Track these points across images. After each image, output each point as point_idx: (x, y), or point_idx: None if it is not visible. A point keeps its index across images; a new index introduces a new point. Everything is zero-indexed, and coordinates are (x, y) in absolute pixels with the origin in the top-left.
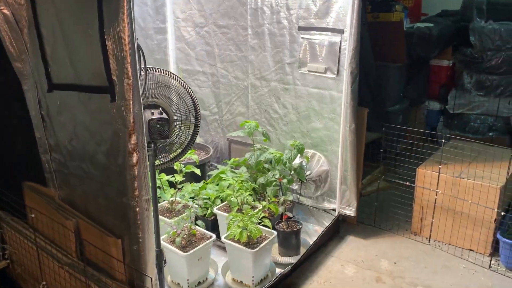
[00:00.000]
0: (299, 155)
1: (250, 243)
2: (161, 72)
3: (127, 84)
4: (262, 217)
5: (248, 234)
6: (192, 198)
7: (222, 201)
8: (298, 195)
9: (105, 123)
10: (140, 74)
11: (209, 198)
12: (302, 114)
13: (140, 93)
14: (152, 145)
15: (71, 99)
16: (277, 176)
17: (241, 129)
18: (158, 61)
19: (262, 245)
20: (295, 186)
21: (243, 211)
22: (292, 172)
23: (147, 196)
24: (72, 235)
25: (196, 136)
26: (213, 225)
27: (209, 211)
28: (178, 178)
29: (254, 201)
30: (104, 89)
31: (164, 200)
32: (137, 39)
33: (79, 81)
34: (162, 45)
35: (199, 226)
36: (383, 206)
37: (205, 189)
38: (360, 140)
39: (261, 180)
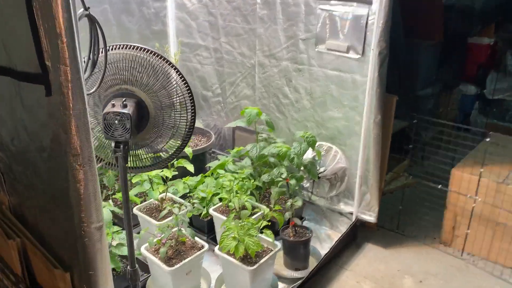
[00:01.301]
0: (310, 149)
1: (248, 257)
2: (140, 51)
3: (63, 73)
4: (264, 227)
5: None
6: (188, 193)
7: (221, 200)
8: (310, 194)
9: (43, 125)
10: (93, 58)
11: (204, 197)
12: (317, 100)
13: (84, 83)
14: (121, 146)
15: (6, 87)
16: (283, 176)
17: (242, 118)
18: (156, 33)
19: (262, 261)
20: (306, 184)
21: (241, 219)
22: (302, 168)
23: (98, 223)
24: (17, 255)
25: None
26: (209, 226)
27: (205, 211)
28: (168, 174)
29: (257, 200)
30: (37, 78)
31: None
32: (87, 8)
33: (12, 64)
34: (161, 14)
35: (191, 229)
36: (408, 208)
37: (203, 183)
38: (386, 135)
39: (264, 178)
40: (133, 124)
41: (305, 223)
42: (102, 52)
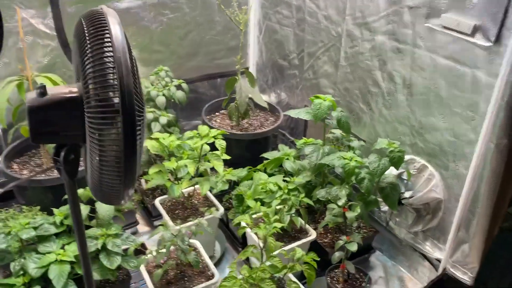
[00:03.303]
0: (391, 168)
1: None
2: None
3: None
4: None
5: None
6: (228, 190)
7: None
8: (387, 219)
9: None
10: None
11: (241, 199)
12: (417, 97)
13: None
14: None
15: None
16: (340, 202)
17: (306, 107)
18: None
19: None
20: (384, 206)
21: (266, 250)
22: (377, 193)
23: None
24: None
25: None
26: (245, 236)
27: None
28: (216, 164)
29: (304, 223)
30: None
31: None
32: None
33: None
34: None
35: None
36: None
37: (251, 178)
38: (510, 169)
39: (320, 194)
40: None
41: (375, 256)
42: None
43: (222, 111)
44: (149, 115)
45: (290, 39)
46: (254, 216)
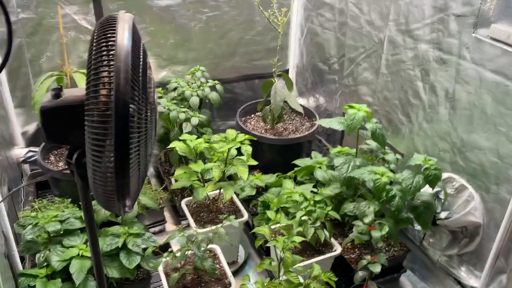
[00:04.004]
0: (427, 186)
1: None
2: None
3: None
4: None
5: None
6: (255, 195)
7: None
8: (421, 238)
9: None
10: None
11: (267, 206)
12: (460, 112)
13: None
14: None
15: None
16: (367, 220)
17: (340, 117)
18: None
19: None
20: (417, 224)
21: (283, 264)
22: (409, 211)
23: None
24: None
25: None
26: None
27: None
28: (241, 169)
29: (329, 237)
30: None
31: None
32: None
33: None
34: None
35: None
36: None
37: (280, 185)
38: None
39: (348, 208)
40: None
41: (405, 276)
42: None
43: (258, 113)
44: (181, 115)
45: (331, 43)
46: (276, 225)
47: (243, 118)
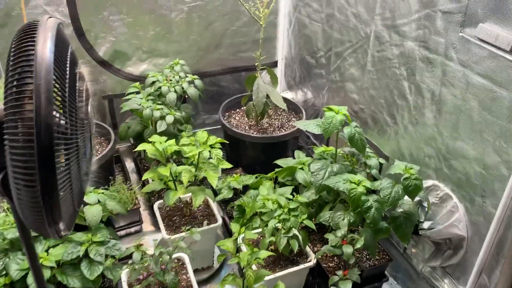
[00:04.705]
0: (406, 197)
1: None
2: None
3: None
4: None
5: None
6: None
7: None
8: (405, 246)
9: None
10: None
11: (243, 210)
12: (445, 116)
13: None
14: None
15: None
16: (339, 233)
17: (317, 119)
18: None
19: None
20: None
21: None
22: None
23: None
24: None
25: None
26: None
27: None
28: (210, 174)
29: (303, 245)
30: None
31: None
32: None
33: None
34: None
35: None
36: None
37: (257, 188)
38: None
39: (324, 217)
40: None
41: (388, 284)
42: None
43: (243, 108)
44: (156, 113)
45: (319, 36)
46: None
47: (227, 113)
